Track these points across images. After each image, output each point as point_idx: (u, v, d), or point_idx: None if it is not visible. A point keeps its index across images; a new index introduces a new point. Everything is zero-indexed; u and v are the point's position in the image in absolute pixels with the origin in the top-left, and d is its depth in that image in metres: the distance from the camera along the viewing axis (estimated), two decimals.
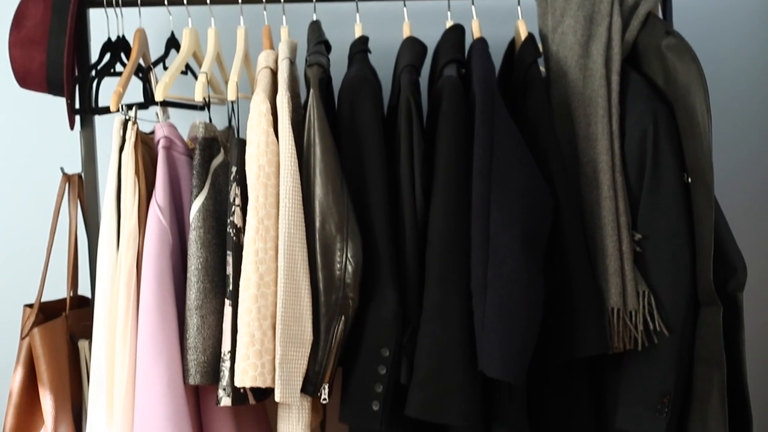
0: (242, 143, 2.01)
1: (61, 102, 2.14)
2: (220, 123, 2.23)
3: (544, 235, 1.99)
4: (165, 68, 2.27)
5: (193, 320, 1.96)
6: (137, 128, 2.04)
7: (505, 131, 1.99)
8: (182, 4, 2.21)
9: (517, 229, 1.92)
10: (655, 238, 2.03)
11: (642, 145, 2.04)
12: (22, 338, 2.10)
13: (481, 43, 2.17)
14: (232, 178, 2.00)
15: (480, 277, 1.93)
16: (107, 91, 2.13)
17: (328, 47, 2.20)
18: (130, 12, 2.23)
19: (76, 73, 2.17)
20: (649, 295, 2.02)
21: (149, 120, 2.15)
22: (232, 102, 2.10)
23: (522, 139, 2.01)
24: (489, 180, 1.95)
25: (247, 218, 1.94)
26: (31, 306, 2.13)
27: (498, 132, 1.98)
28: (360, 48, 2.20)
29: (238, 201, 1.98)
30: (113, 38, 2.23)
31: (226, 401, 1.95)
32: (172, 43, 2.31)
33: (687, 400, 2.06)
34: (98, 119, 2.19)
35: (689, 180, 2.04)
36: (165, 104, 2.16)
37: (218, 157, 2.09)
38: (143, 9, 2.23)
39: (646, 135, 2.03)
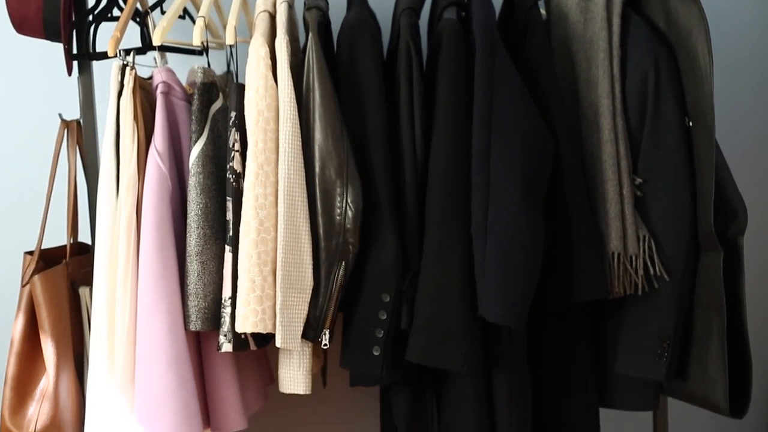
0: (241, 88, 1.99)
1: (58, 48, 2.12)
2: (218, 68, 2.21)
3: (545, 179, 1.99)
4: (163, 12, 2.24)
5: (193, 266, 1.96)
6: (135, 73, 2.03)
7: (506, 74, 1.97)
8: None
9: (518, 174, 1.91)
10: (655, 182, 2.03)
11: (643, 88, 2.03)
12: (23, 286, 2.10)
13: None
14: (231, 123, 1.99)
15: (480, 221, 1.92)
16: (105, 36, 2.11)
17: None
18: None
19: (73, 18, 2.15)
20: (650, 240, 2.02)
21: (147, 65, 2.14)
22: (231, 46, 2.08)
23: (522, 82, 2.00)
24: (489, 124, 1.94)
25: (247, 163, 1.93)
26: (31, 253, 2.13)
27: (498, 75, 1.97)
28: None
29: (237, 146, 1.97)
30: None
31: (227, 347, 1.96)
32: None
33: (687, 344, 2.06)
34: (96, 65, 2.17)
35: (690, 123, 2.03)
36: (163, 49, 2.15)
37: (217, 102, 2.07)
38: None
39: (647, 78, 2.02)
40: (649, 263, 2.02)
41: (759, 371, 2.35)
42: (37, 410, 2.05)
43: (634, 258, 2.02)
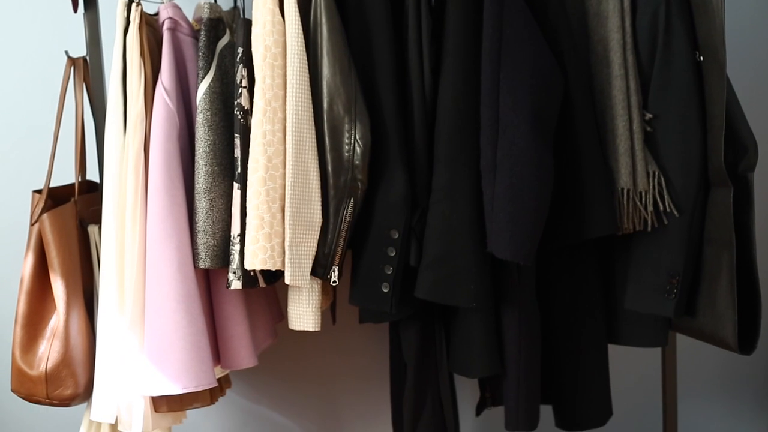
0: (248, 23, 1.98)
1: None
2: (225, 3, 2.19)
3: (554, 114, 1.97)
4: None
5: (202, 204, 1.96)
6: (141, 9, 2.01)
7: (515, 8, 1.95)
8: None
9: (527, 109, 1.90)
10: (666, 117, 2.01)
11: (654, 22, 2.00)
12: (32, 224, 2.10)
13: None
14: (238, 59, 1.97)
15: (489, 157, 1.91)
16: None
17: None
18: None
19: None
20: (660, 176, 2.01)
21: (154, 1, 2.12)
22: None
23: (532, 17, 1.97)
24: (498, 59, 1.93)
25: (254, 100, 1.92)
26: (39, 192, 2.13)
27: (507, 9, 1.94)
28: None
29: (244, 82, 1.96)
30: None
31: (236, 284, 1.96)
32: None
33: (696, 280, 2.06)
34: (102, 1, 2.16)
35: (701, 58, 2.01)
36: None
37: (224, 38, 2.06)
38: None
39: (658, 12, 2.00)
40: (658, 199, 2.01)
41: None
42: (48, 348, 2.05)
43: (643, 194, 2.01)
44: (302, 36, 1.93)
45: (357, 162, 1.93)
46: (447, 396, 2.26)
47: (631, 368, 2.71)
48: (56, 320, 2.07)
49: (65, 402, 2.07)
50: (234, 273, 1.95)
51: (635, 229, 2.04)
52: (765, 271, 2.08)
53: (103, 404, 2.05)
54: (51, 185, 2.14)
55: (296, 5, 1.93)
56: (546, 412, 2.31)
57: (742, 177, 2.01)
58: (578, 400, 2.27)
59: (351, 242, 2.00)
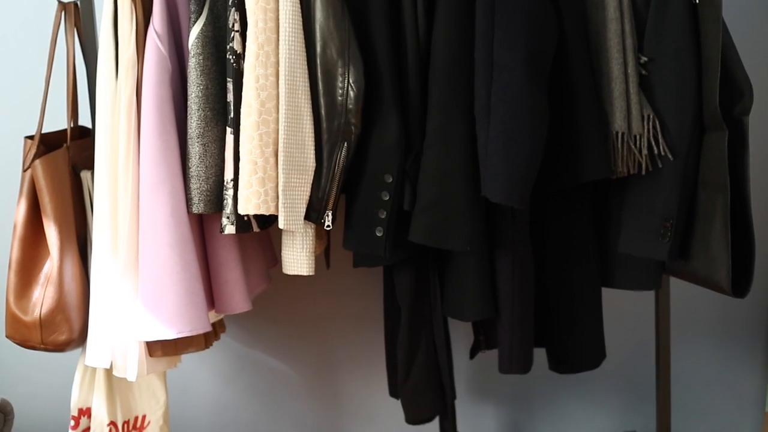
0: None
1: None
2: None
3: (549, 58, 1.96)
4: None
5: (195, 149, 1.95)
6: None
7: None
8: None
9: (522, 52, 1.89)
10: (661, 60, 2.00)
11: None
12: (24, 170, 2.09)
13: None
14: (230, 3, 1.95)
15: (483, 101, 1.90)
16: None
17: None
18: None
19: None
20: (654, 119, 2.01)
21: None
22: None
23: None
24: (493, 2, 1.91)
25: (247, 44, 1.90)
26: (31, 138, 2.12)
27: None
28: None
29: (237, 26, 1.94)
30: None
31: (230, 229, 1.95)
32: None
33: (690, 224, 2.06)
34: None
35: (697, 1, 2.00)
36: None
37: None
38: None
39: None
40: (653, 142, 2.00)
41: (762, 251, 2.35)
42: (42, 294, 2.05)
43: (638, 137, 2.01)
44: None
45: (350, 106, 1.92)
46: (441, 339, 2.27)
47: (624, 311, 2.72)
48: (50, 266, 2.07)
49: (60, 347, 2.08)
50: (227, 218, 1.95)
51: (629, 173, 2.04)
52: (758, 214, 2.08)
53: (97, 349, 2.06)
54: (43, 131, 2.13)
55: None
56: (540, 355, 2.32)
57: (738, 121, 2.01)
58: (572, 342, 2.28)
59: (345, 187, 2.00)
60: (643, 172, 2.02)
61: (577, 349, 2.29)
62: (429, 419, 2.38)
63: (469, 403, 2.84)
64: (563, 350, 2.30)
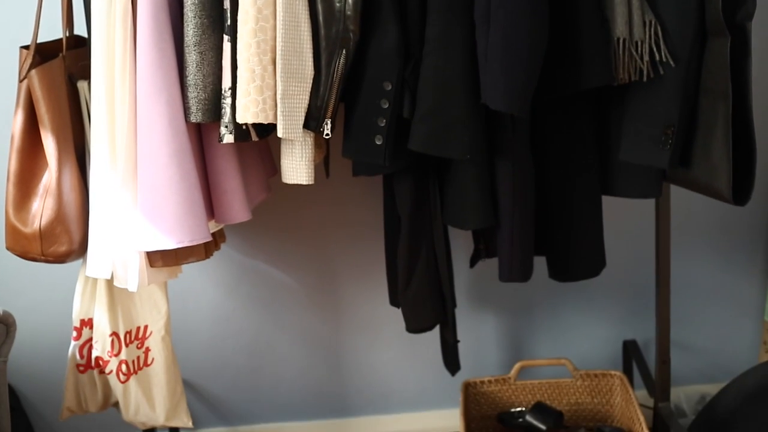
0: None
1: None
2: None
3: None
4: None
5: (192, 57, 1.93)
6: None
7: None
8: None
9: None
10: None
11: None
12: (20, 81, 2.07)
13: None
14: None
15: (483, 6, 1.88)
16: None
17: None
18: None
19: None
20: (656, 25, 1.98)
21: None
22: None
23: None
24: None
25: None
26: (27, 48, 2.09)
27: None
28: None
29: None
30: None
31: (228, 138, 1.94)
32: None
33: (691, 131, 2.05)
34: None
35: None
36: None
37: None
38: None
39: None
40: (654, 49, 1.98)
41: (763, 158, 2.35)
42: (41, 205, 2.05)
43: (639, 44, 1.99)
44: None
45: (348, 12, 1.89)
46: (441, 248, 2.28)
47: (625, 220, 2.72)
48: (48, 177, 2.06)
49: (60, 258, 2.08)
50: (226, 127, 1.94)
51: (631, 80, 2.02)
52: (760, 121, 2.07)
53: (98, 260, 2.06)
54: (38, 41, 2.11)
55: None
56: (540, 264, 2.32)
57: (740, 26, 1.98)
58: (572, 251, 2.29)
59: (344, 95, 1.98)
60: (645, 79, 2.00)
61: (577, 257, 2.30)
62: (429, 328, 2.39)
63: (470, 312, 2.85)
64: (563, 259, 2.31)
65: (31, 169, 2.09)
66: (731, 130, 1.94)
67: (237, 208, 2.09)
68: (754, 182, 1.99)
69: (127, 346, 2.31)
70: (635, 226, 2.75)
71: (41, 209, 2.05)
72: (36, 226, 2.04)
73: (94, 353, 2.31)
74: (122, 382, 2.32)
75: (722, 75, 1.95)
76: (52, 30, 2.18)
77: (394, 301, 2.47)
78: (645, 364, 2.77)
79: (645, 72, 1.99)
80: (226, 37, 1.92)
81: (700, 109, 2.02)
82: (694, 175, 2.04)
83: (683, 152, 2.04)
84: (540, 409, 2.66)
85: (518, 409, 2.75)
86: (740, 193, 1.99)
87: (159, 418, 2.41)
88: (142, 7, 1.90)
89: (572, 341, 2.93)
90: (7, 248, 2.09)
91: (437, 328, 2.49)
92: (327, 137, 1.96)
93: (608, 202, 2.27)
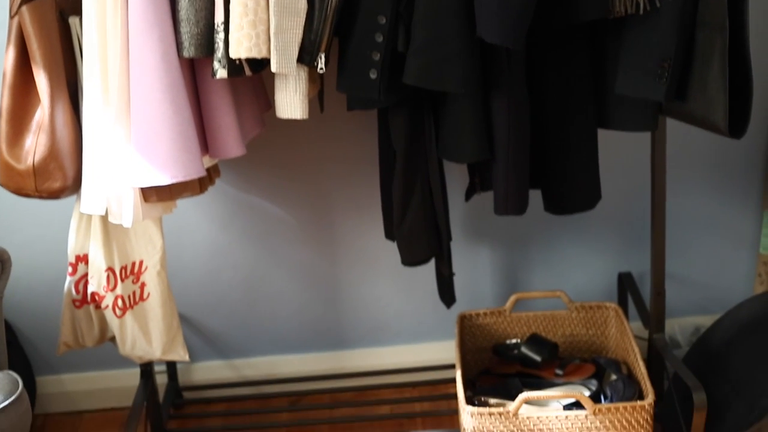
0: None
1: None
2: None
3: None
4: None
5: None
6: None
7: None
8: None
9: None
10: None
11: None
12: (11, 17, 2.05)
13: None
14: None
15: None
16: None
17: None
18: None
19: None
20: None
21: None
22: None
23: None
24: None
25: None
26: None
27: None
28: None
29: None
30: None
31: (221, 73, 1.93)
32: None
33: (687, 64, 2.03)
34: None
35: None
36: None
37: None
38: None
39: None
40: None
41: (759, 91, 2.34)
42: (35, 142, 2.04)
43: None
44: None
45: None
46: (436, 182, 2.28)
47: (621, 154, 2.71)
48: (41, 113, 2.05)
49: (54, 195, 2.08)
50: (219, 62, 1.93)
51: (627, 13, 2.00)
52: (756, 55, 2.05)
53: (92, 196, 2.06)
54: None
55: None
56: (535, 197, 2.32)
57: None
58: (567, 184, 2.29)
59: (338, 29, 1.97)
60: (641, 12, 1.98)
61: (573, 190, 2.30)
62: (425, 261, 2.41)
63: (465, 245, 2.86)
64: (559, 192, 2.31)
65: (24, 105, 2.08)
66: (728, 63, 1.93)
67: (231, 143, 2.08)
68: (750, 115, 1.98)
69: (122, 281, 2.31)
70: (631, 159, 2.74)
71: (34, 146, 2.04)
72: (29, 162, 2.04)
73: (90, 289, 2.32)
74: (118, 317, 2.33)
75: (719, 8, 1.93)
76: None
77: (390, 235, 2.48)
78: (640, 295, 2.78)
79: (641, 5, 1.97)
80: None
81: (696, 42, 2.00)
82: (691, 108, 2.03)
83: (679, 85, 2.02)
84: (535, 340, 2.68)
85: (513, 340, 2.76)
86: (736, 126, 1.99)
87: (156, 352, 2.43)
88: None
89: (567, 273, 2.94)
90: (1, 185, 2.09)
91: (433, 262, 2.49)
92: (321, 71, 1.95)
93: (604, 136, 2.26)
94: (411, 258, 2.38)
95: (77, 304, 2.38)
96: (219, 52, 1.92)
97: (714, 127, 1.98)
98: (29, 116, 2.07)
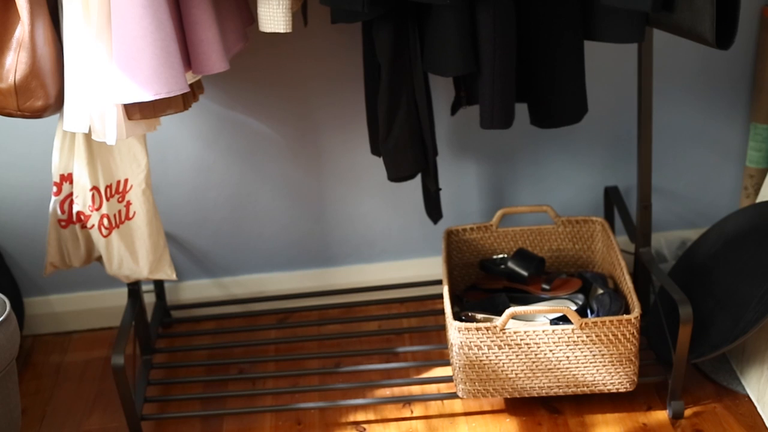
0: None
1: None
2: None
3: None
4: None
5: None
6: None
7: None
8: None
9: None
10: None
11: None
12: None
13: None
14: None
15: None
16: None
17: None
18: None
19: None
20: None
21: None
22: None
23: None
24: None
25: None
26: None
27: None
28: None
29: None
30: None
31: None
32: None
33: None
34: None
35: None
36: None
37: None
38: None
39: None
40: None
41: (747, 2, 2.32)
42: (15, 60, 2.02)
43: None
44: None
45: None
46: (421, 95, 2.27)
47: (607, 66, 2.70)
48: (21, 31, 2.02)
49: (37, 113, 2.06)
50: None
51: None
52: None
53: (75, 114, 2.04)
54: None
55: None
56: (522, 111, 2.31)
57: None
58: (554, 97, 2.28)
59: None
60: None
61: (559, 103, 2.29)
62: (411, 176, 2.40)
63: (451, 160, 2.85)
64: (545, 105, 2.30)
65: (3, 23, 2.04)
66: None
67: (214, 58, 2.06)
68: (738, 26, 1.97)
69: (107, 200, 2.30)
70: (617, 72, 2.73)
71: (15, 64, 2.01)
72: (11, 80, 2.01)
73: (75, 208, 2.31)
74: (104, 236, 2.33)
75: None
76: None
77: (376, 150, 2.47)
78: (626, 210, 2.78)
79: None
80: None
81: None
82: (678, 19, 2.01)
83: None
84: (522, 255, 2.69)
85: (500, 255, 2.77)
86: (723, 37, 1.97)
87: (143, 271, 2.43)
88: None
89: (554, 188, 2.94)
90: None
91: (419, 177, 2.49)
92: None
93: (590, 48, 2.25)
94: (397, 173, 2.38)
95: (63, 224, 2.37)
96: None
97: (701, 38, 1.97)
98: (9, 34, 2.04)
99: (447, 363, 2.59)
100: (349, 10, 2.02)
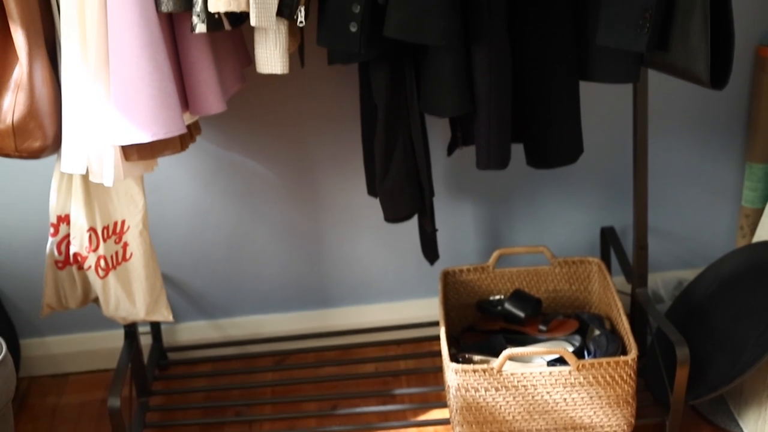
0: None
1: None
2: None
3: None
4: None
5: None
6: None
7: None
8: None
9: None
10: None
11: None
12: None
13: None
14: None
15: None
16: None
17: None
18: None
19: None
20: None
21: None
22: None
23: None
24: None
25: None
26: None
27: None
28: None
29: None
30: None
31: (200, 28, 1.92)
32: None
33: (669, 15, 2.02)
34: None
35: None
36: None
37: None
38: None
39: None
40: None
41: (741, 42, 2.34)
42: (13, 100, 2.02)
43: None
44: None
45: None
46: (418, 136, 2.27)
47: (602, 106, 2.71)
48: (19, 72, 2.03)
49: (34, 154, 2.07)
50: (198, 16, 1.91)
51: None
52: (738, 5, 2.05)
53: (72, 155, 2.05)
54: None
55: None
56: (518, 152, 2.32)
57: None
58: (549, 137, 2.29)
59: None
60: None
61: (555, 143, 2.30)
62: (407, 217, 2.40)
63: (448, 201, 2.85)
64: (541, 145, 2.31)
65: (1, 64, 2.06)
66: (710, 14, 1.92)
67: (212, 99, 2.07)
68: (732, 66, 1.98)
69: (104, 241, 2.30)
70: (613, 112, 2.74)
71: (13, 104, 2.02)
72: (9, 121, 2.02)
73: (72, 249, 2.31)
74: (101, 278, 2.32)
75: None
76: None
77: (372, 191, 2.47)
78: (623, 250, 2.79)
79: None
80: None
81: None
82: (672, 59, 2.03)
83: (661, 36, 2.02)
84: (518, 296, 2.69)
85: (497, 296, 2.77)
86: (718, 77, 1.98)
87: (139, 313, 2.42)
88: None
89: (550, 228, 2.94)
90: None
91: (415, 218, 2.49)
92: (301, 25, 1.94)
93: (586, 88, 2.26)
94: (394, 214, 2.38)
95: (60, 265, 2.37)
96: (198, 6, 1.90)
97: (696, 78, 1.98)
98: (7, 75, 2.05)
99: (444, 405, 2.59)
100: (345, 51, 2.03)
